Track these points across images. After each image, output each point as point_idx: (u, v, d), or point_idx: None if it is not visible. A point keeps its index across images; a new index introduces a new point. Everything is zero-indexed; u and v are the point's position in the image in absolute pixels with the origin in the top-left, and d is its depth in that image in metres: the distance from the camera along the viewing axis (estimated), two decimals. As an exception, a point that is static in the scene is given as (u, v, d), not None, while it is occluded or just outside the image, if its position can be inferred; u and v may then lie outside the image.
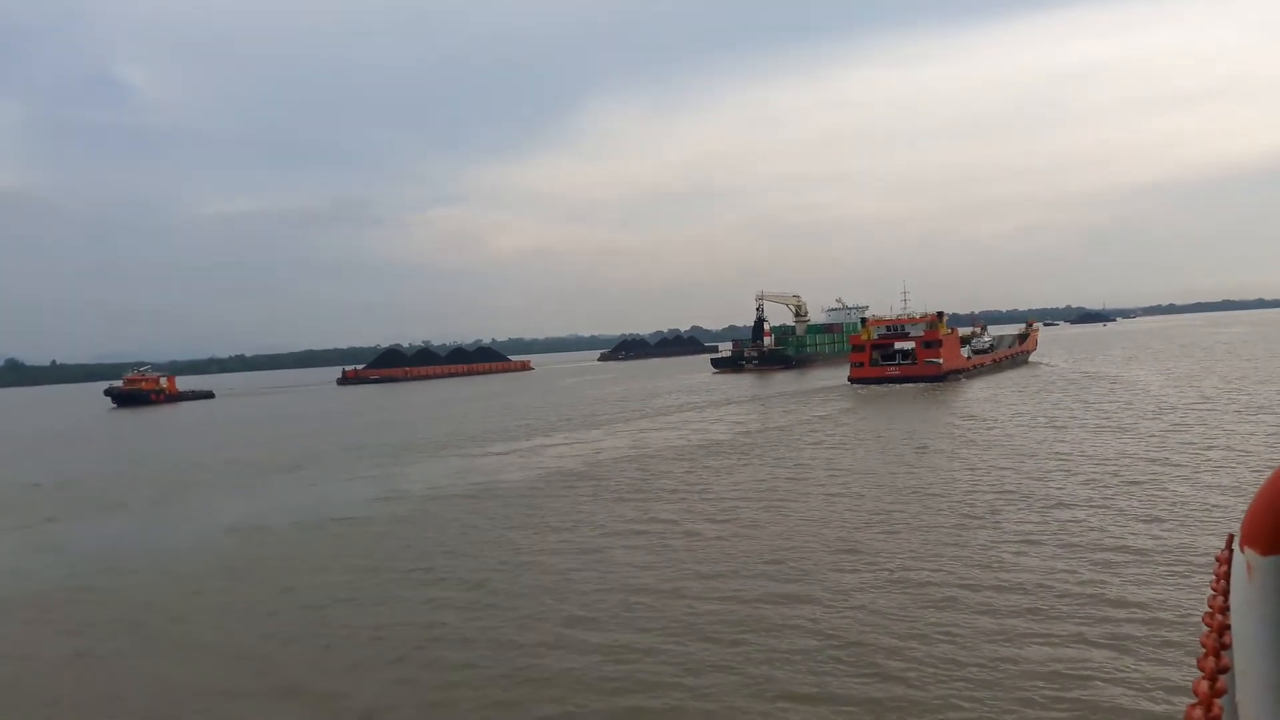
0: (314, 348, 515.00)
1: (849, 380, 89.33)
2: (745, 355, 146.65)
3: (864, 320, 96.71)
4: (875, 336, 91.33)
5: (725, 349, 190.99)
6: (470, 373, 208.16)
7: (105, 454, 69.50)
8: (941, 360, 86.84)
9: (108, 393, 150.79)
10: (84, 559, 30.28)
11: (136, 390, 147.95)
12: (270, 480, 47.55)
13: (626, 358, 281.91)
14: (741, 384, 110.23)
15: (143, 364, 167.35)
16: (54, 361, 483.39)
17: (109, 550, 31.43)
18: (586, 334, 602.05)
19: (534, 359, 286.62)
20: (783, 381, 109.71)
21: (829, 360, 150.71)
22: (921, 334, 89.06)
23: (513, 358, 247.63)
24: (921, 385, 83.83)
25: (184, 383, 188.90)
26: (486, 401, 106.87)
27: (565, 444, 55.90)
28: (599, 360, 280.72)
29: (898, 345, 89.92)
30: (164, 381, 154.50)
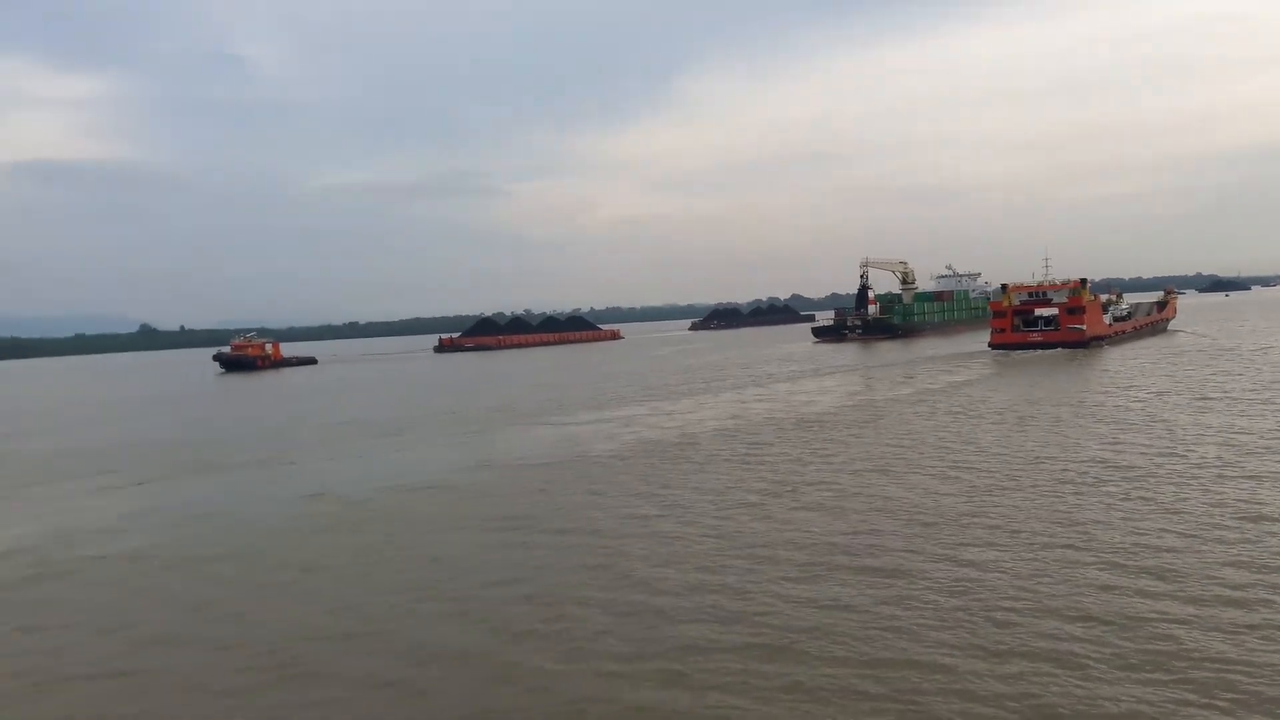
0: (422, 315, 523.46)
1: (989, 346, 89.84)
2: (848, 324, 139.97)
3: (1004, 286, 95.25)
4: (1017, 303, 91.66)
5: (824, 318, 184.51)
6: (561, 342, 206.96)
7: (210, 417, 70.03)
8: (1085, 327, 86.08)
9: (216, 358, 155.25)
10: (198, 516, 30.40)
11: (243, 356, 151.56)
12: (364, 445, 46.69)
13: (719, 327, 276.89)
14: (845, 354, 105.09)
15: (249, 330, 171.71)
16: (182, 327, 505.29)
17: (221, 507, 31.74)
18: (683, 303, 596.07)
19: (625, 328, 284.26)
20: (889, 351, 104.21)
21: (939, 329, 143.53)
22: (1065, 300, 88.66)
23: (603, 327, 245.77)
24: (1064, 351, 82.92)
25: (299, 348, 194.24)
26: (577, 370, 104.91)
27: (659, 414, 52.85)
28: (690, 330, 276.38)
29: (1039, 311, 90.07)
30: (269, 348, 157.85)
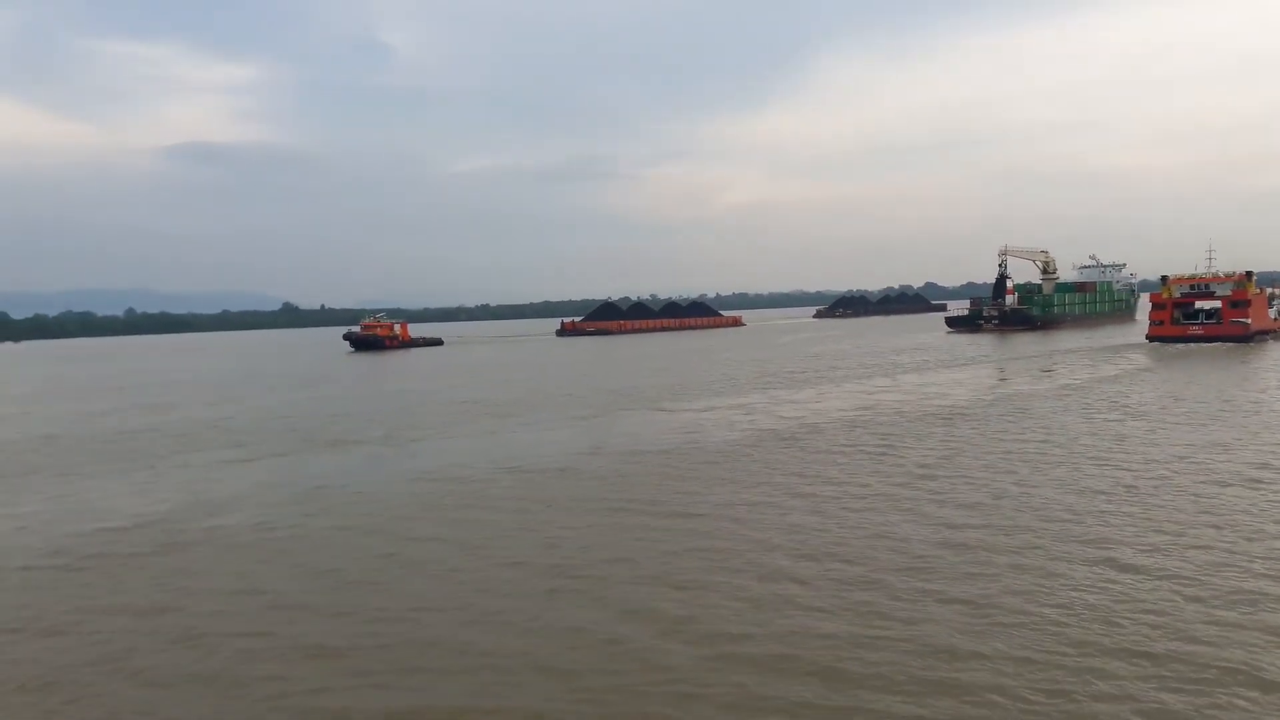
0: (551, 299, 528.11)
1: (1147, 338, 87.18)
2: (984, 314, 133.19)
3: (1165, 278, 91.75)
4: (1177, 295, 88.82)
5: (957, 307, 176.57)
6: (681, 327, 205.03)
7: (337, 395, 72.11)
8: (1249, 321, 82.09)
9: (346, 337, 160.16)
10: (323, 490, 30.89)
11: (372, 336, 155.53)
12: (484, 425, 46.55)
13: (845, 315, 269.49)
14: (980, 345, 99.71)
15: (378, 311, 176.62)
16: (323, 305, 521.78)
17: (346, 482, 32.13)
18: (812, 289, 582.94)
19: (750, 315, 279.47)
20: (1028, 343, 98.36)
21: (1080, 322, 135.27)
22: (1229, 293, 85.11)
23: (725, 313, 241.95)
24: (1226, 346, 78.68)
25: (432, 329, 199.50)
26: (696, 356, 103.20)
27: (781, 403, 50.74)
28: (814, 317, 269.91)
29: (1200, 304, 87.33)
30: (397, 328, 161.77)
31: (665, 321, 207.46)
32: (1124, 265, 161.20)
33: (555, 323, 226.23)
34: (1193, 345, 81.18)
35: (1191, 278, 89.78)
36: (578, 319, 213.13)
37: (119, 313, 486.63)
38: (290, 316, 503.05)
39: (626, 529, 23.60)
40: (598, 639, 16.06)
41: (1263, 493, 24.30)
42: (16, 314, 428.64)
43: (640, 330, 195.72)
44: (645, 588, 18.69)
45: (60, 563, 22.73)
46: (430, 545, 22.86)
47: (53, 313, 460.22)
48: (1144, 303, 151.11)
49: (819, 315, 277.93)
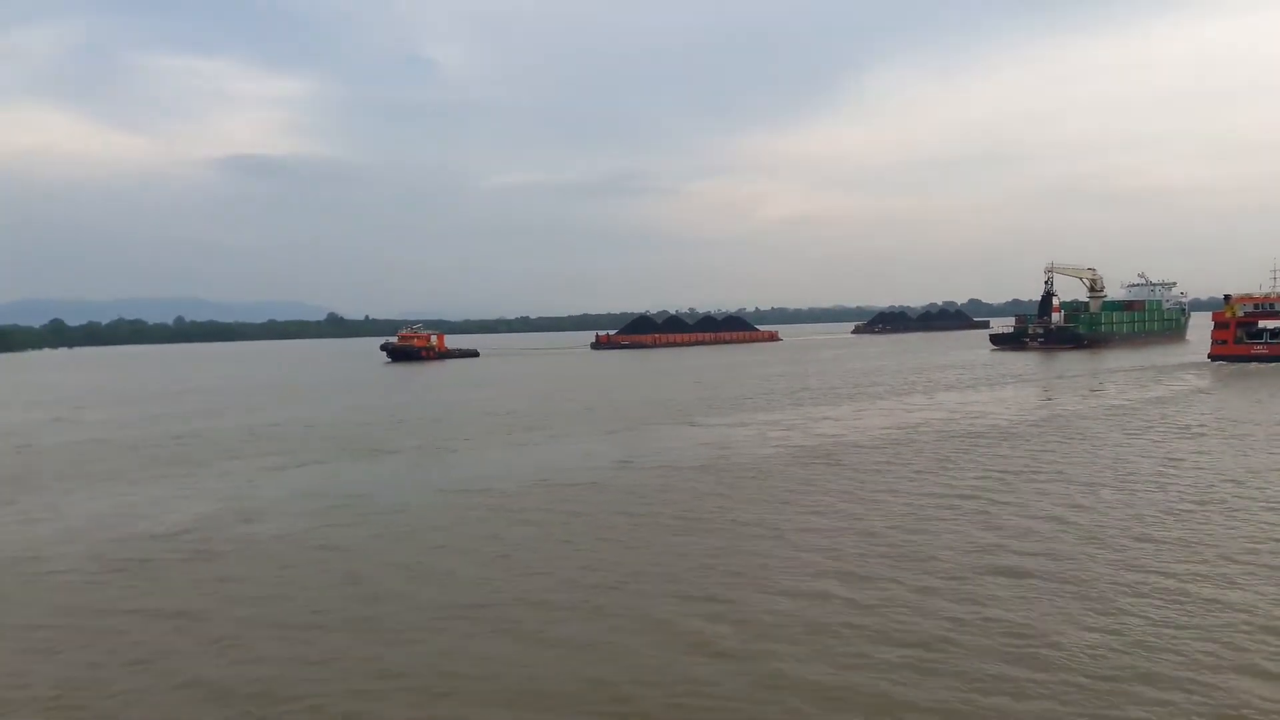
0: (590, 311, 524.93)
1: (1209, 357, 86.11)
2: (1030, 332, 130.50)
3: (1228, 297, 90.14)
4: (1241, 314, 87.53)
5: (1000, 325, 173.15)
6: (716, 341, 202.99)
7: (373, 404, 72.25)
8: None
9: (383, 348, 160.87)
10: (361, 497, 30.89)
11: (408, 346, 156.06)
12: (516, 437, 45.85)
13: (884, 331, 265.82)
14: (1026, 363, 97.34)
15: (415, 322, 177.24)
16: (367, 316, 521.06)
17: (383, 490, 32.36)
18: (852, 304, 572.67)
19: (788, 330, 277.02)
20: (1077, 362, 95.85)
21: (1128, 341, 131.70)
22: None
23: (761, 328, 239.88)
24: None
25: (472, 340, 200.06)
26: (730, 371, 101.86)
27: (817, 419, 49.47)
28: (852, 334, 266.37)
29: (1264, 324, 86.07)
30: (434, 339, 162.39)
31: (700, 336, 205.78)
32: (1174, 284, 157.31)
33: (591, 335, 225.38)
34: (1255, 365, 79.69)
35: (1256, 296, 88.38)
36: (612, 332, 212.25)
37: (169, 321, 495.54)
38: (335, 326, 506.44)
39: (661, 544, 22.99)
40: (641, 655, 15.78)
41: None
42: (72, 321, 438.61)
43: (674, 344, 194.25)
44: (686, 603, 18.30)
45: (99, 566, 22.74)
46: (464, 555, 22.73)
47: (105, 320, 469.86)
48: (1195, 322, 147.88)
49: (857, 331, 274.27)
